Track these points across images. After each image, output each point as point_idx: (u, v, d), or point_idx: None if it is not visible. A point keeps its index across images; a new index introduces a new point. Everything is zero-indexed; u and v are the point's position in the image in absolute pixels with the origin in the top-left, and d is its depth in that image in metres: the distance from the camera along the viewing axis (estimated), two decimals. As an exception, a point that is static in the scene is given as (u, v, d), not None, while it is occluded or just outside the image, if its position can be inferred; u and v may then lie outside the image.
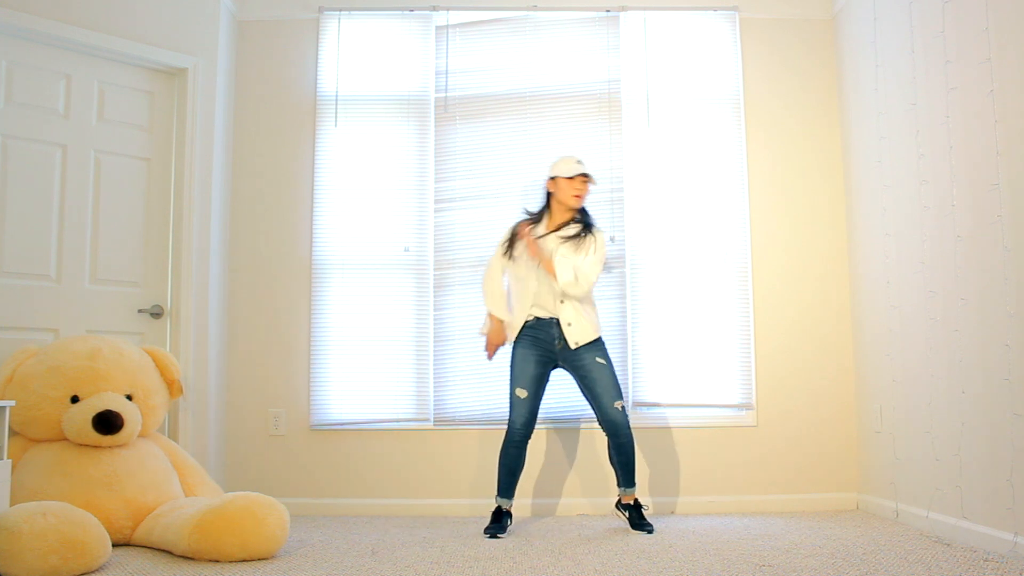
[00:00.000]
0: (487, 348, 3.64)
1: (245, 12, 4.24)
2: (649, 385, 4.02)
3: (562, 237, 3.52)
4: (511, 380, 3.50)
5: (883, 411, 3.70)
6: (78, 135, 3.61)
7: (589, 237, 3.53)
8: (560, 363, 3.53)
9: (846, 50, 4.08)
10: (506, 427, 3.47)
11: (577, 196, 3.52)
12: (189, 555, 2.77)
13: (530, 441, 3.50)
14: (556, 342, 3.48)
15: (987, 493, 2.91)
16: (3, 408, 2.79)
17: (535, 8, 4.21)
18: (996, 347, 2.85)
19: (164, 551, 2.91)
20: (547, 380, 3.55)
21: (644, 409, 4.05)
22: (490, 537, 3.27)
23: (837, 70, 4.19)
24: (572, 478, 3.94)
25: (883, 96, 3.67)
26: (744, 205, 4.13)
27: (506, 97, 4.18)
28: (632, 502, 3.47)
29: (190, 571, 2.62)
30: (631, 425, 3.46)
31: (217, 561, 2.74)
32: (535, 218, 3.62)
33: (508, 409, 3.48)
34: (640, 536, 3.27)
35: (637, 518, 3.43)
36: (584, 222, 3.58)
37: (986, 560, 2.69)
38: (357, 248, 4.12)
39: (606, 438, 3.47)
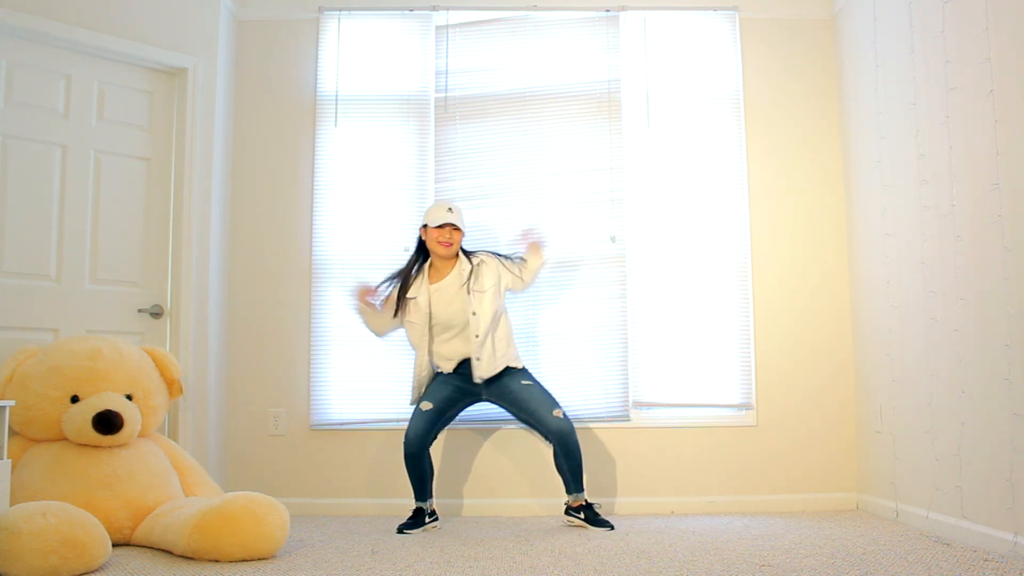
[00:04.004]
0: (358, 298, 3.69)
1: (245, 12, 4.24)
2: (649, 385, 4.02)
3: (463, 282, 3.57)
4: (421, 396, 3.59)
5: (883, 411, 3.70)
6: (78, 135, 3.61)
7: (483, 264, 3.60)
8: (486, 398, 3.61)
9: (846, 50, 4.08)
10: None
11: (444, 244, 3.56)
12: (189, 555, 2.77)
13: (433, 446, 3.64)
14: (475, 378, 3.56)
15: (987, 493, 2.91)
16: (3, 408, 2.79)
17: (535, 8, 4.21)
18: (996, 347, 2.85)
19: (164, 551, 2.91)
20: (458, 408, 3.64)
21: (644, 409, 4.05)
22: (398, 532, 3.37)
23: (837, 70, 4.19)
24: (572, 478, 3.94)
25: (883, 96, 3.67)
26: (744, 205, 4.13)
27: (506, 97, 4.18)
28: (584, 503, 3.49)
29: (190, 571, 2.62)
30: (574, 427, 3.51)
31: (217, 561, 2.74)
32: (406, 269, 3.66)
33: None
34: (640, 536, 3.27)
35: (593, 515, 3.46)
36: (466, 254, 3.66)
37: (986, 560, 2.69)
38: (357, 248, 4.12)
39: (551, 447, 3.53)
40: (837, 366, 4.05)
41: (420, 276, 3.63)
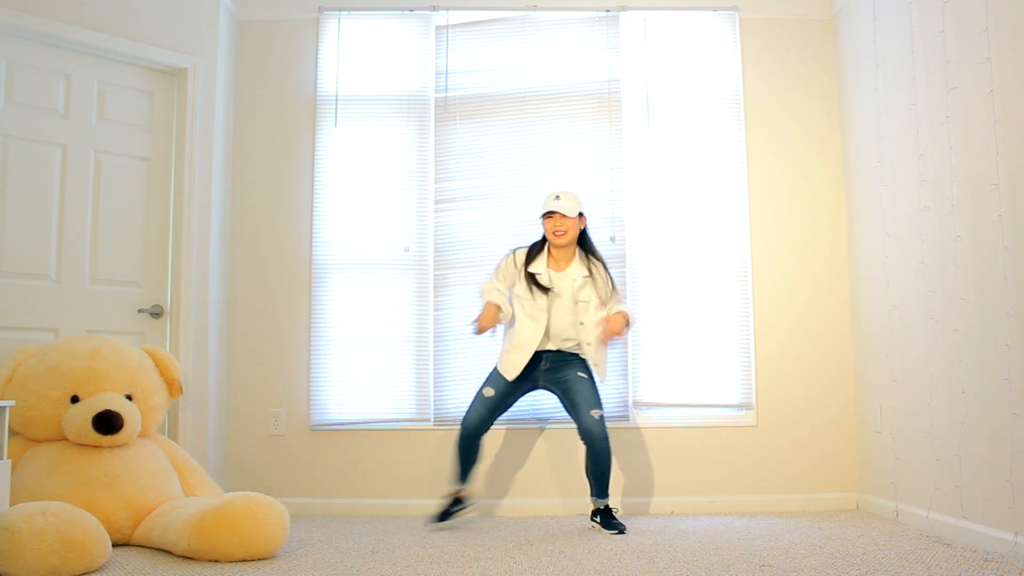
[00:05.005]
0: (478, 324, 3.52)
1: (245, 12, 4.24)
2: (649, 385, 4.02)
3: (575, 280, 3.53)
4: (486, 380, 3.56)
5: (883, 411, 3.70)
6: (78, 135, 3.61)
7: (596, 272, 3.55)
8: (543, 384, 3.58)
9: (846, 50, 4.08)
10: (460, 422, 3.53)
11: (556, 233, 3.53)
12: (189, 555, 2.77)
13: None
14: (543, 363, 3.54)
15: (987, 493, 2.91)
16: (3, 408, 2.78)
17: (535, 8, 4.21)
18: (996, 347, 2.85)
19: (164, 551, 2.91)
20: (517, 396, 3.59)
21: (644, 409, 4.05)
22: (439, 520, 3.42)
23: (837, 70, 4.19)
24: (573, 479, 3.93)
25: (883, 96, 3.67)
26: (744, 205, 4.13)
27: (506, 97, 4.18)
28: (602, 507, 3.48)
29: (190, 571, 2.62)
30: (609, 432, 3.46)
31: (217, 561, 2.74)
32: (533, 250, 3.61)
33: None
34: (640, 536, 3.27)
35: (607, 519, 3.43)
36: (587, 251, 3.60)
37: (986, 560, 2.69)
38: (357, 248, 4.12)
39: (584, 449, 3.48)
40: (837, 366, 4.05)
41: (541, 256, 3.58)
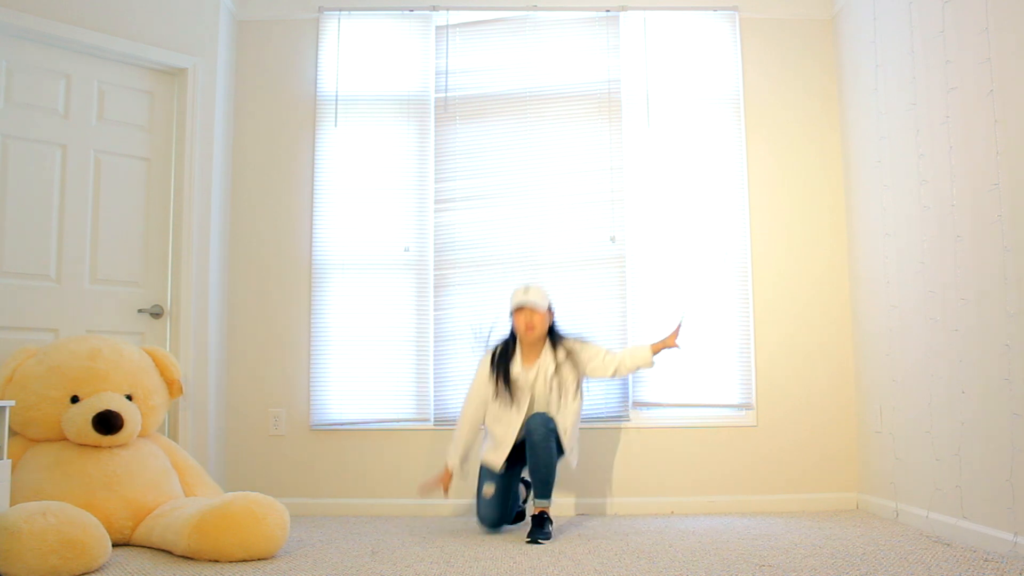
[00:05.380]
0: (427, 485, 3.47)
1: (245, 12, 4.24)
2: (649, 385, 4.02)
3: (547, 372, 3.44)
4: (480, 478, 3.45)
5: (883, 411, 3.70)
6: (78, 135, 3.61)
7: (566, 362, 3.46)
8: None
9: (846, 50, 4.08)
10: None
11: (527, 329, 3.44)
12: (189, 555, 2.77)
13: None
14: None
15: (987, 493, 2.91)
16: (3, 408, 2.78)
17: (535, 8, 4.21)
18: (996, 347, 2.85)
19: (164, 551, 2.91)
20: (518, 474, 3.50)
21: (644, 409, 4.05)
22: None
23: (837, 70, 4.19)
24: (573, 478, 3.93)
25: (883, 96, 3.67)
26: (744, 205, 4.13)
27: (506, 97, 4.18)
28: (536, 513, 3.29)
29: (190, 571, 2.62)
30: (551, 436, 3.31)
31: (217, 561, 2.74)
32: (503, 348, 3.51)
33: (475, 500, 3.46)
34: (640, 536, 3.27)
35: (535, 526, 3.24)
36: (556, 341, 3.50)
37: (986, 560, 2.69)
38: (357, 248, 4.12)
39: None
40: (837, 366, 4.05)
41: (515, 355, 3.49)
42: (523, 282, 3.70)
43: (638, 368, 3.58)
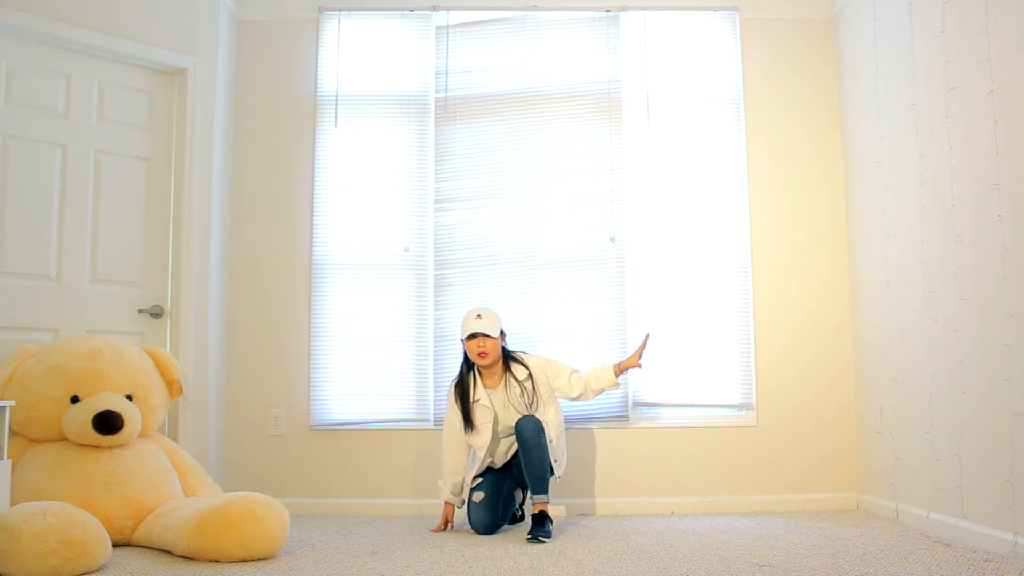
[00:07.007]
0: (441, 524, 3.50)
1: (245, 12, 4.24)
2: (649, 385, 4.02)
3: (515, 389, 3.46)
4: (471, 488, 3.48)
5: (883, 411, 3.70)
6: (78, 135, 3.61)
7: (529, 379, 3.47)
8: (514, 461, 3.53)
9: (846, 50, 4.08)
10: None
11: (480, 355, 3.43)
12: (189, 555, 2.77)
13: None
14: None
15: (987, 493, 2.91)
16: (3, 408, 2.78)
17: (535, 8, 4.21)
18: (996, 347, 2.85)
19: (164, 551, 2.91)
20: (510, 474, 3.52)
21: (644, 409, 4.05)
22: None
23: (837, 70, 4.19)
24: (573, 479, 3.93)
25: (883, 96, 3.67)
26: (744, 205, 4.13)
27: (506, 97, 4.18)
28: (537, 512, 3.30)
29: (190, 571, 2.62)
30: (540, 431, 3.32)
31: (217, 561, 2.74)
32: (464, 381, 3.50)
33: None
34: (640, 536, 3.27)
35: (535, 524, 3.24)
36: (513, 361, 3.51)
37: (986, 560, 2.69)
38: (357, 248, 4.12)
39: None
40: (837, 366, 4.05)
41: (475, 383, 3.49)
42: (474, 307, 3.62)
43: (603, 390, 3.56)
